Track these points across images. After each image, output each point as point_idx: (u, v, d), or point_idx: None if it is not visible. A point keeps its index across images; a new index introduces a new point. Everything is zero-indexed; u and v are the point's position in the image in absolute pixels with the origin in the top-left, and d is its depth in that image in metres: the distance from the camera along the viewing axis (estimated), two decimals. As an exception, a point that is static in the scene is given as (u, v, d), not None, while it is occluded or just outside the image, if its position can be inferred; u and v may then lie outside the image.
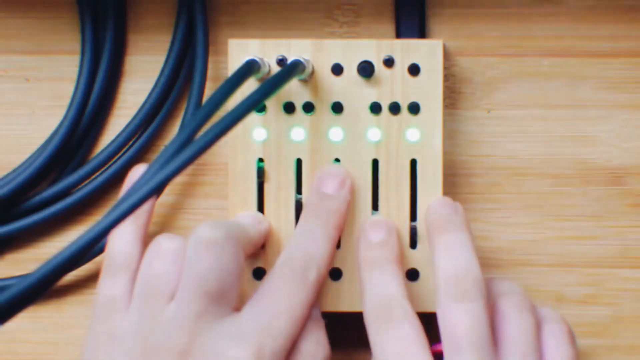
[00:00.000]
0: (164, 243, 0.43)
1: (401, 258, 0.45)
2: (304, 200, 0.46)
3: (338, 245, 0.46)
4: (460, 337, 0.41)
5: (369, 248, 0.45)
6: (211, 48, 0.49)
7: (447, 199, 0.45)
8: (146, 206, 0.45)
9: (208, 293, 0.41)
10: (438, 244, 0.44)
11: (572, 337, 0.44)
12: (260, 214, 0.46)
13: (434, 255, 0.44)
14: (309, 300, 0.43)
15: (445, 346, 0.41)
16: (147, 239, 0.45)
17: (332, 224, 0.45)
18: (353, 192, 0.46)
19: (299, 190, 0.47)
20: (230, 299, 0.42)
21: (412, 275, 0.46)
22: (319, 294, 0.46)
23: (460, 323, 0.41)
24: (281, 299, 0.43)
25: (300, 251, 0.44)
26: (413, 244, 0.46)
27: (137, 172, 0.46)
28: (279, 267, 0.44)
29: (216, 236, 0.42)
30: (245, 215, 0.46)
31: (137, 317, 0.42)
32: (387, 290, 0.43)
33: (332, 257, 0.45)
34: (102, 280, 0.44)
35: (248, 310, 0.42)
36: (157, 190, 0.37)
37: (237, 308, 0.43)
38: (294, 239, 0.44)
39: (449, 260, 0.43)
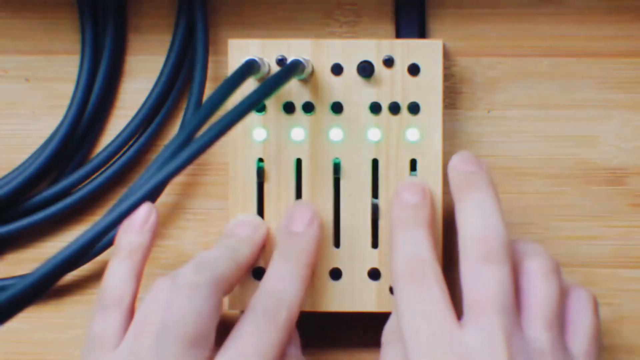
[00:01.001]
0: (161, 287, 0.43)
1: (434, 222, 0.45)
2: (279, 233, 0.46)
3: (337, 245, 0.47)
4: (484, 299, 0.40)
5: (403, 208, 0.44)
6: (211, 48, 0.49)
7: (469, 155, 0.45)
8: (143, 242, 0.45)
9: (184, 337, 0.41)
10: (464, 203, 0.43)
11: (596, 306, 0.44)
12: (258, 219, 0.46)
13: (458, 215, 0.43)
14: (281, 342, 0.43)
15: (468, 306, 0.41)
16: (142, 276, 0.45)
17: (303, 263, 0.45)
18: (322, 228, 0.46)
19: (298, 192, 0.47)
20: (207, 343, 0.42)
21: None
22: (319, 294, 0.46)
23: (485, 285, 0.41)
24: (251, 341, 0.42)
25: (270, 294, 0.44)
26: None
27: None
28: (250, 312, 0.43)
29: (197, 280, 0.42)
30: (242, 222, 0.46)
31: (126, 356, 0.42)
32: (419, 250, 0.43)
33: (304, 294, 0.44)
34: (94, 316, 0.44)
35: (220, 356, 0.42)
36: (157, 190, 0.37)
37: (215, 349, 0.43)
38: (265, 281, 0.44)
39: (476, 220, 0.42)
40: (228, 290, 0.44)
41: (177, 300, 0.42)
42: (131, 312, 0.44)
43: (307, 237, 0.45)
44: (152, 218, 0.45)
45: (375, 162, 0.46)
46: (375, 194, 0.46)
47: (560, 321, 0.42)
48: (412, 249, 0.43)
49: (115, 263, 0.44)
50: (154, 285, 0.44)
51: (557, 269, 0.43)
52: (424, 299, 0.41)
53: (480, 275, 0.41)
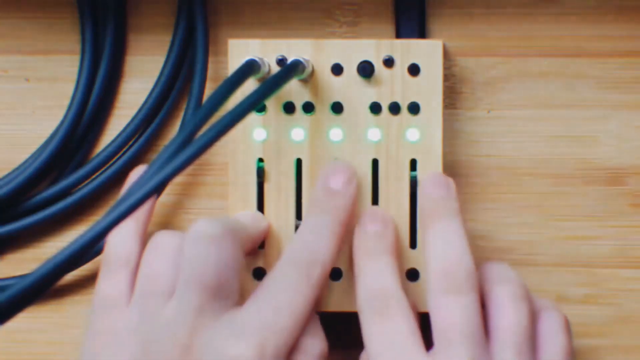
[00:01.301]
0: (163, 240, 0.43)
1: (397, 251, 0.45)
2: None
3: (338, 245, 0.47)
4: (451, 330, 0.41)
5: (365, 238, 0.45)
6: (211, 48, 0.49)
7: (441, 176, 0.45)
8: (146, 205, 0.45)
9: (207, 287, 0.41)
10: (430, 232, 0.43)
11: (567, 326, 0.44)
12: (259, 214, 0.46)
13: (425, 243, 0.43)
14: (312, 298, 0.43)
15: (436, 338, 0.41)
16: (146, 237, 0.45)
17: (339, 220, 0.44)
18: (357, 190, 0.46)
19: (298, 192, 0.47)
20: (231, 293, 0.42)
21: (412, 275, 0.46)
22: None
23: (451, 316, 0.41)
24: (284, 295, 0.42)
25: (306, 247, 0.43)
26: (413, 244, 0.46)
27: (137, 173, 0.46)
28: (284, 263, 0.43)
29: (213, 231, 0.42)
30: (245, 214, 0.46)
31: (137, 316, 0.42)
32: (381, 281, 0.43)
33: (337, 253, 0.44)
34: (101, 278, 0.44)
35: (250, 304, 0.42)
36: (157, 190, 0.37)
37: (239, 304, 0.43)
38: (300, 235, 0.44)
39: (440, 251, 0.43)
40: (244, 250, 0.43)
41: (194, 250, 0.41)
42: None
43: (344, 195, 0.45)
44: None
45: (375, 162, 0.46)
46: (375, 194, 0.46)
47: (531, 346, 0.42)
48: (374, 280, 0.43)
49: (119, 225, 0.44)
50: (152, 241, 0.43)
51: (526, 294, 0.43)
52: (390, 332, 0.42)
53: (447, 306, 0.41)
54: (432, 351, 0.42)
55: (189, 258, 0.42)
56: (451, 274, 0.42)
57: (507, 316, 0.42)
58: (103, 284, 0.44)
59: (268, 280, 0.43)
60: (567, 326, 0.44)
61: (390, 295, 0.43)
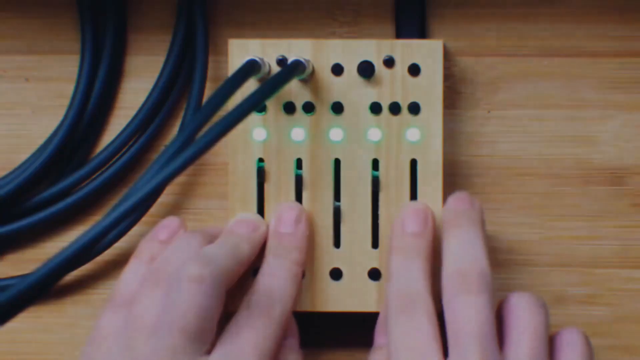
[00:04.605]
0: (158, 278, 0.43)
1: (433, 251, 0.45)
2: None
3: (338, 245, 0.47)
4: (463, 330, 0.41)
5: (404, 236, 0.45)
6: (211, 48, 0.49)
7: (464, 194, 0.45)
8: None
9: (185, 330, 0.41)
10: (448, 237, 0.44)
11: (588, 341, 0.44)
12: (258, 218, 0.46)
13: (442, 248, 0.44)
14: (276, 335, 0.43)
15: (450, 338, 0.42)
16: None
17: (293, 260, 0.45)
18: (311, 225, 0.46)
19: (298, 192, 0.47)
20: (207, 338, 0.42)
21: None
22: (319, 294, 0.46)
23: (464, 316, 0.41)
24: (246, 334, 0.42)
25: (264, 292, 0.44)
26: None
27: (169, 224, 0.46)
28: (245, 307, 0.43)
29: (201, 274, 0.42)
30: (242, 221, 0.46)
31: (120, 351, 0.42)
32: (414, 282, 0.43)
33: (297, 290, 0.45)
34: (104, 313, 0.44)
35: (217, 350, 0.42)
36: (157, 191, 0.37)
37: (214, 343, 0.43)
38: (257, 279, 0.45)
39: (456, 253, 0.43)
40: (229, 286, 0.44)
41: (180, 293, 0.41)
42: None
43: (295, 236, 0.46)
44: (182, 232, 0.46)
45: (375, 162, 0.46)
46: (375, 194, 0.46)
47: (545, 349, 0.42)
48: (406, 281, 0.44)
49: (134, 264, 0.45)
50: (147, 281, 0.43)
51: (544, 305, 0.43)
52: (413, 333, 0.42)
53: (460, 305, 0.42)
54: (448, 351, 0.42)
55: (172, 298, 0.41)
56: (466, 273, 0.42)
57: (521, 320, 0.43)
58: (102, 319, 0.44)
59: (232, 325, 0.43)
60: (587, 340, 0.44)
61: (419, 298, 0.43)
